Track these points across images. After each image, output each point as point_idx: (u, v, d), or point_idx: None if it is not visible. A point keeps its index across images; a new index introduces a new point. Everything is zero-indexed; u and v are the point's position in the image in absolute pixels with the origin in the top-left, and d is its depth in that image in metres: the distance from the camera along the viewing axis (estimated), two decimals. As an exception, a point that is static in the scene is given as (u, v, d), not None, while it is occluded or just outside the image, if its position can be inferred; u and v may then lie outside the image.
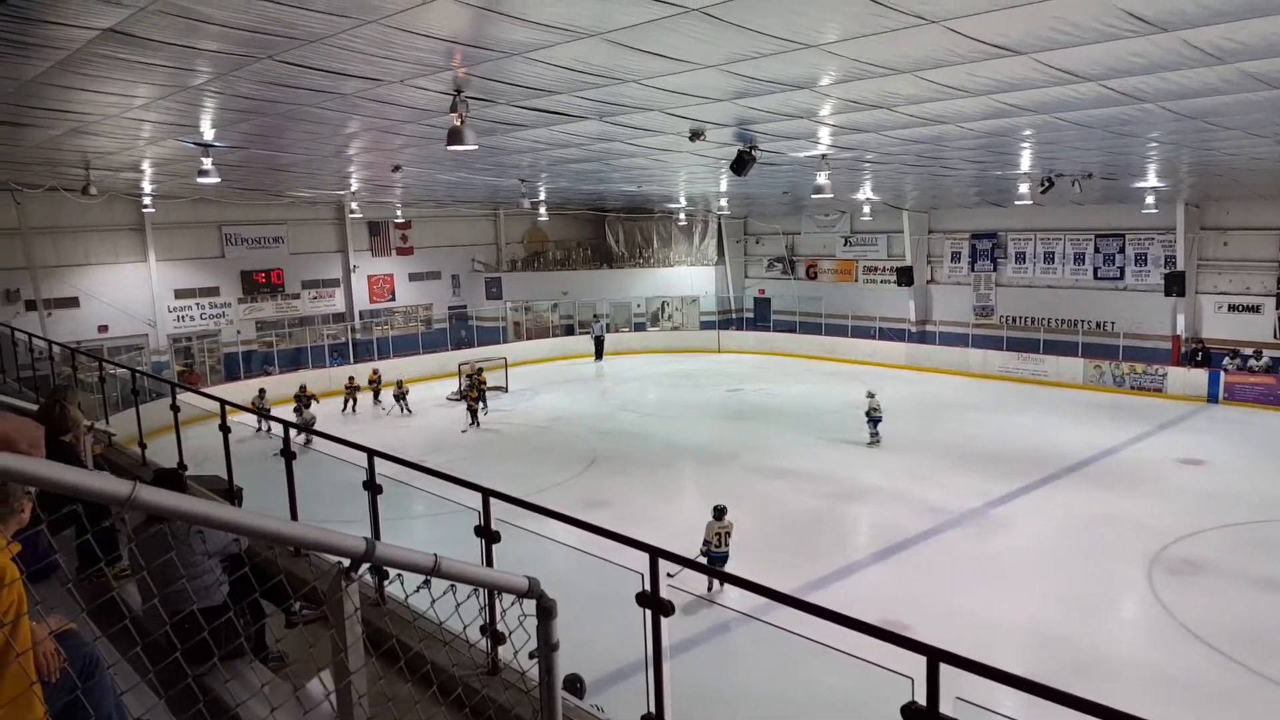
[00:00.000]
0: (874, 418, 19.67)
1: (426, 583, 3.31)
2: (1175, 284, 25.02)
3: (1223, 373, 23.68)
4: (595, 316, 35.13)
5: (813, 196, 15.72)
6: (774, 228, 36.06)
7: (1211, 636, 10.37)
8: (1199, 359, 24.71)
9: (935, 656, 2.72)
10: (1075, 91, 8.96)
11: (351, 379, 25.49)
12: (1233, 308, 24.85)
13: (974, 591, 11.89)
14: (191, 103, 9.50)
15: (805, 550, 13.28)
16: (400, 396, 24.48)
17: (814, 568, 12.59)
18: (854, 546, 13.53)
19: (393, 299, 32.44)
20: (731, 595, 10.63)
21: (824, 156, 14.40)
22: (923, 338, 31.19)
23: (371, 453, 5.17)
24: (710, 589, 10.07)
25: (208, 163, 12.47)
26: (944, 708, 2.71)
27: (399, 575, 3.50)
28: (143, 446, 8.94)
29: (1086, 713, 2.44)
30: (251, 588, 3.70)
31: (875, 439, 19.68)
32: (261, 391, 22.75)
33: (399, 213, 30.24)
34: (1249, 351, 23.86)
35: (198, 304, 27.45)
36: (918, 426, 21.50)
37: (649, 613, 3.57)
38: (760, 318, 36.62)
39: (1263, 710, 8.94)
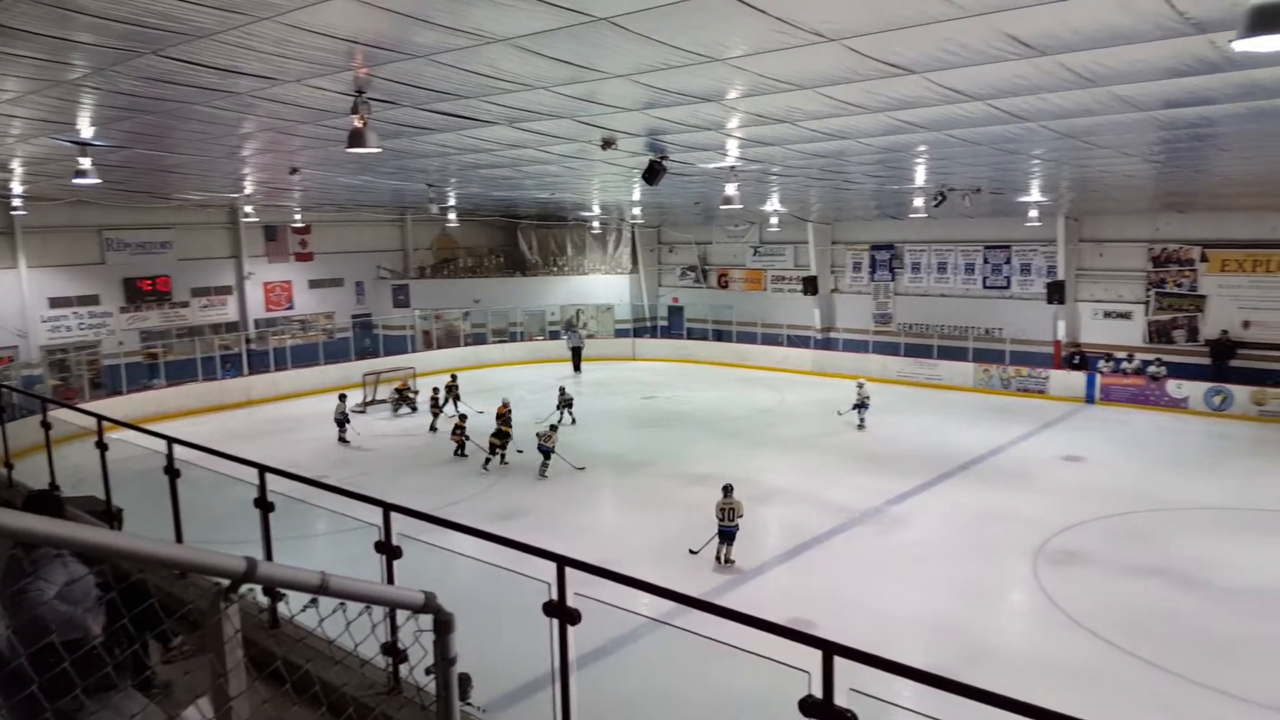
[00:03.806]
0: (864, 405, 21.78)
1: (313, 601, 3.21)
2: (1056, 293, 26.53)
3: (1098, 375, 25.13)
4: (571, 325, 34.59)
5: (722, 207, 16.02)
6: (687, 237, 36.50)
7: (1091, 623, 10.98)
8: (1077, 362, 26.20)
9: (829, 650, 2.81)
10: (965, 110, 9.40)
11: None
12: (1107, 314, 26.46)
13: (875, 586, 12.28)
14: (67, 98, 8.98)
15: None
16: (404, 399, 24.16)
17: (726, 570, 12.79)
18: (764, 547, 13.78)
19: (291, 307, 31.31)
20: (643, 601, 10.67)
21: (733, 168, 14.69)
22: (827, 344, 32.08)
23: (263, 469, 5.01)
24: (720, 560, 12.73)
25: (86, 163, 11.79)
26: (839, 699, 2.80)
27: (311, 598, 3.39)
28: (9, 467, 8.40)
29: (971, 698, 2.56)
30: (133, 615, 3.49)
31: (862, 425, 21.72)
32: (342, 397, 22.44)
33: (298, 217, 29.09)
34: (1122, 355, 25.41)
35: (75, 313, 25.85)
36: (823, 430, 22.08)
37: (556, 622, 3.56)
38: (674, 326, 36.97)
39: (1137, 689, 9.50)
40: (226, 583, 2.78)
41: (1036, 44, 6.58)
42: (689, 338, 35.52)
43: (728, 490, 13.09)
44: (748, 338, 33.43)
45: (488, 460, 18.68)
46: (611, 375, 30.76)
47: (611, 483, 18.42)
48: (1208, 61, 7.03)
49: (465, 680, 6.08)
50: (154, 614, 3.97)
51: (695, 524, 14.96)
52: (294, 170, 16.43)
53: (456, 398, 23.59)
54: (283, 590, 4.13)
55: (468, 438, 19.68)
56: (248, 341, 28.97)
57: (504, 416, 19.66)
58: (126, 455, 7.08)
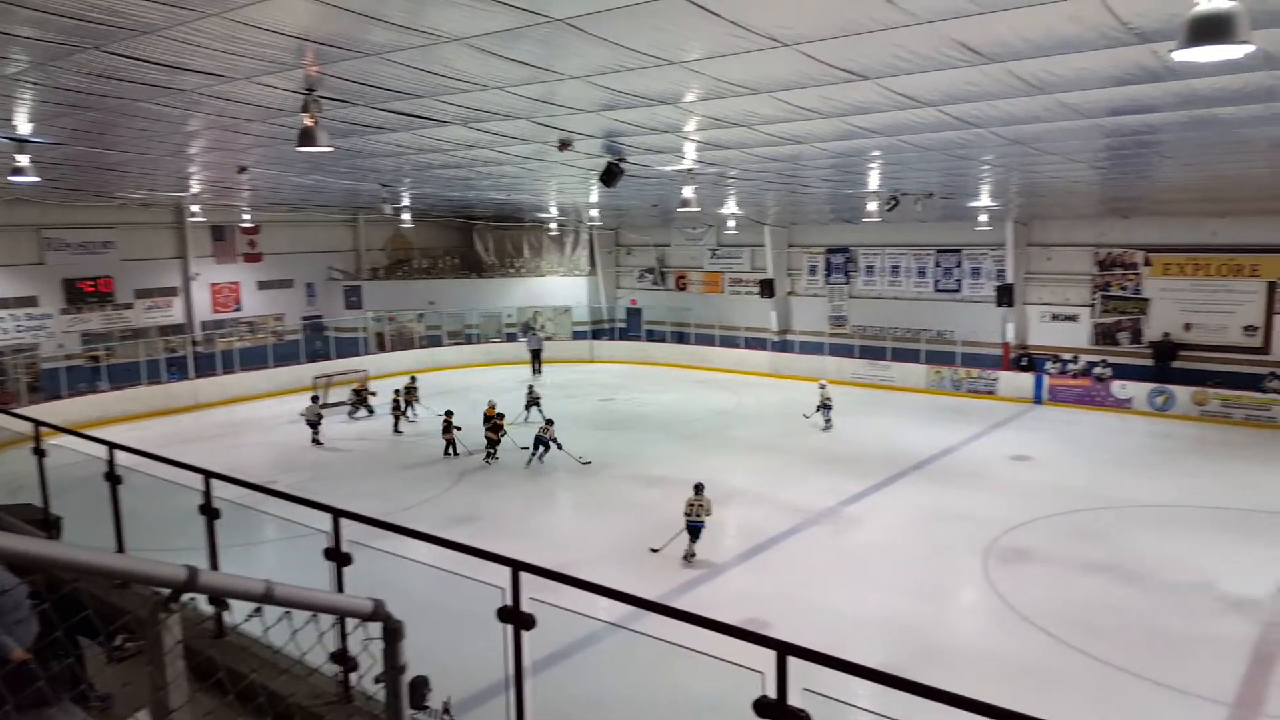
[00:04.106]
0: (826, 405, 21.92)
1: (257, 610, 3.14)
2: (1005, 296, 27.08)
3: (1046, 376, 25.70)
4: (529, 327, 34.29)
5: (680, 209, 16.04)
6: (645, 239, 36.52)
7: (1040, 619, 11.20)
8: (1025, 364, 26.77)
9: (783, 651, 2.83)
10: (917, 116, 9.55)
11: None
12: (1054, 317, 27.08)
13: (831, 586, 12.40)
14: (4, 94, 8.69)
15: (676, 555, 13.47)
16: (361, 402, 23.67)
17: (683, 572, 12.82)
18: (721, 549, 13.82)
19: (239, 309, 30.67)
20: (600, 604, 10.63)
21: (690, 171, 14.73)
22: (784, 346, 32.33)
23: (208, 474, 4.89)
24: (688, 557, 13.06)
25: (24, 160, 11.40)
26: (794, 699, 2.81)
27: (255, 607, 3.31)
28: (-63, 475, 8.11)
29: (921, 696, 2.59)
30: (69, 626, 3.37)
31: (828, 425, 21.86)
32: (314, 398, 22.22)
33: (247, 216, 28.47)
34: (1068, 356, 26.02)
35: (12, 315, 25.03)
36: (780, 431, 22.25)
37: (510, 628, 3.53)
38: (632, 328, 36.94)
39: (1085, 685, 9.70)
40: (166, 592, 2.70)
41: (986, 51, 6.71)
42: (647, 339, 35.54)
43: (699, 489, 13.41)
44: (706, 339, 33.56)
45: (488, 455, 19.25)
46: (569, 377, 30.64)
47: (569, 485, 18.35)
48: (1150, 71, 7.23)
49: (423, 683, 6.02)
50: (90, 624, 3.85)
51: (653, 526, 14.97)
52: (243, 169, 16.10)
53: (415, 400, 23.37)
54: (229, 600, 4.02)
55: (458, 427, 19.99)
56: (194, 344, 28.30)
57: (490, 418, 19.67)
58: (66, 461, 6.86)
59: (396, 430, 22.35)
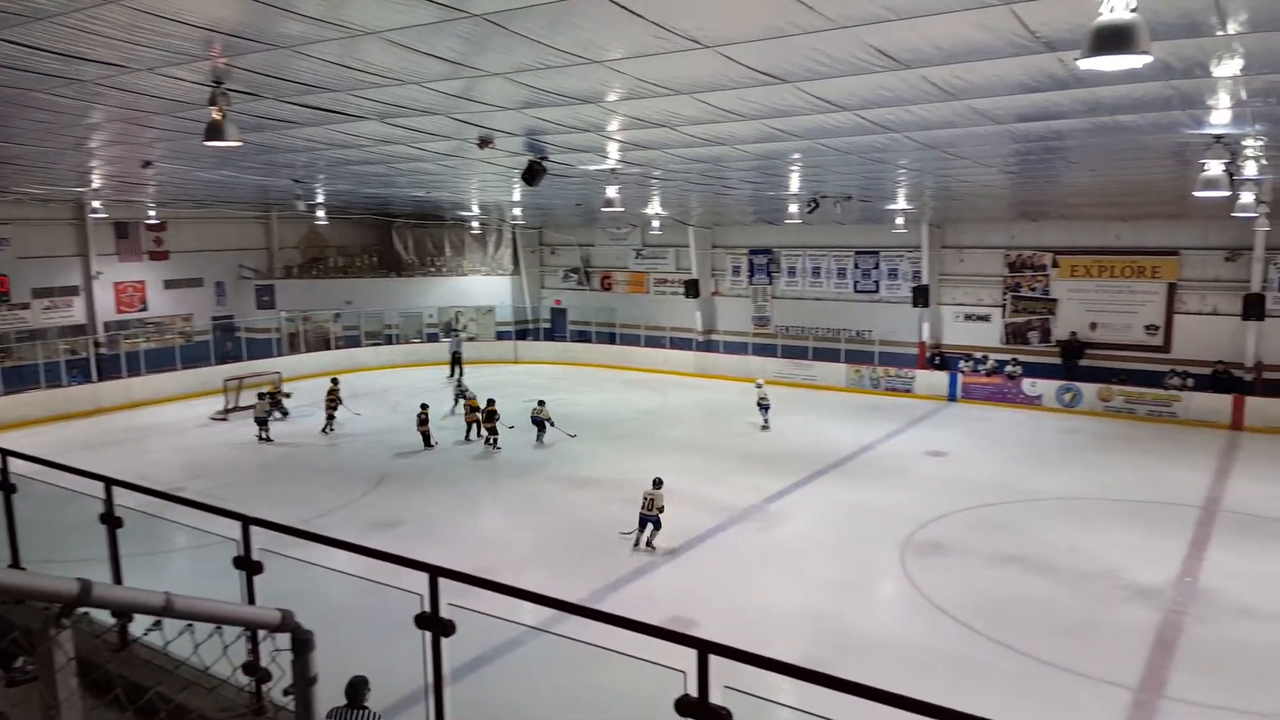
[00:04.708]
0: (764, 405, 22.06)
1: (157, 624, 3.01)
2: (921, 296, 27.89)
3: (960, 375, 26.56)
4: (451, 328, 33.66)
5: (604, 209, 16.02)
6: (569, 239, 36.38)
7: (955, 610, 11.55)
8: (938, 363, 27.62)
9: (704, 649, 2.83)
10: (835, 120, 9.73)
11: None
12: (968, 317, 28.00)
13: (755, 583, 12.55)
14: (-116, 80, 8.15)
15: (602, 556, 13.47)
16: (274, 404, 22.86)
17: (610, 573, 12.79)
18: (647, 548, 13.85)
19: (145, 309, 29.41)
20: (526, 607, 10.53)
21: (613, 170, 14.72)
22: (709, 346, 32.62)
23: (109, 482, 4.66)
24: (638, 545, 13.61)
25: (-93, 150, 10.75)
26: (715, 697, 2.82)
27: (155, 619, 3.15)
28: None
29: (837, 689, 2.63)
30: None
31: (765, 425, 21.99)
32: (260, 395, 22.14)
33: (152, 213, 27.28)
34: (980, 355, 26.97)
35: (-102, 314, 23.59)
36: (705, 430, 22.46)
37: (429, 635, 3.45)
38: (557, 328, 36.75)
39: (998, 672, 10.04)
40: (58, 608, 2.56)
41: (900, 57, 6.87)
42: (572, 340, 35.43)
43: (657, 483, 13.81)
44: (631, 340, 33.63)
45: (488, 440, 20.29)
46: (493, 379, 30.31)
47: (494, 488, 18.15)
48: (1057, 78, 7.51)
49: (362, 683, 5.87)
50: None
51: (580, 528, 14.96)
52: (147, 164, 15.43)
53: (338, 401, 22.86)
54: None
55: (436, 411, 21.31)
56: (96, 345, 26.99)
57: (476, 408, 20.87)
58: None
59: (328, 429, 22.06)
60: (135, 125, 11.05)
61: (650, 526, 13.64)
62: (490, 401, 20.56)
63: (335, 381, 23.76)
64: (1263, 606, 11.63)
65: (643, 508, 13.69)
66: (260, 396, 22.10)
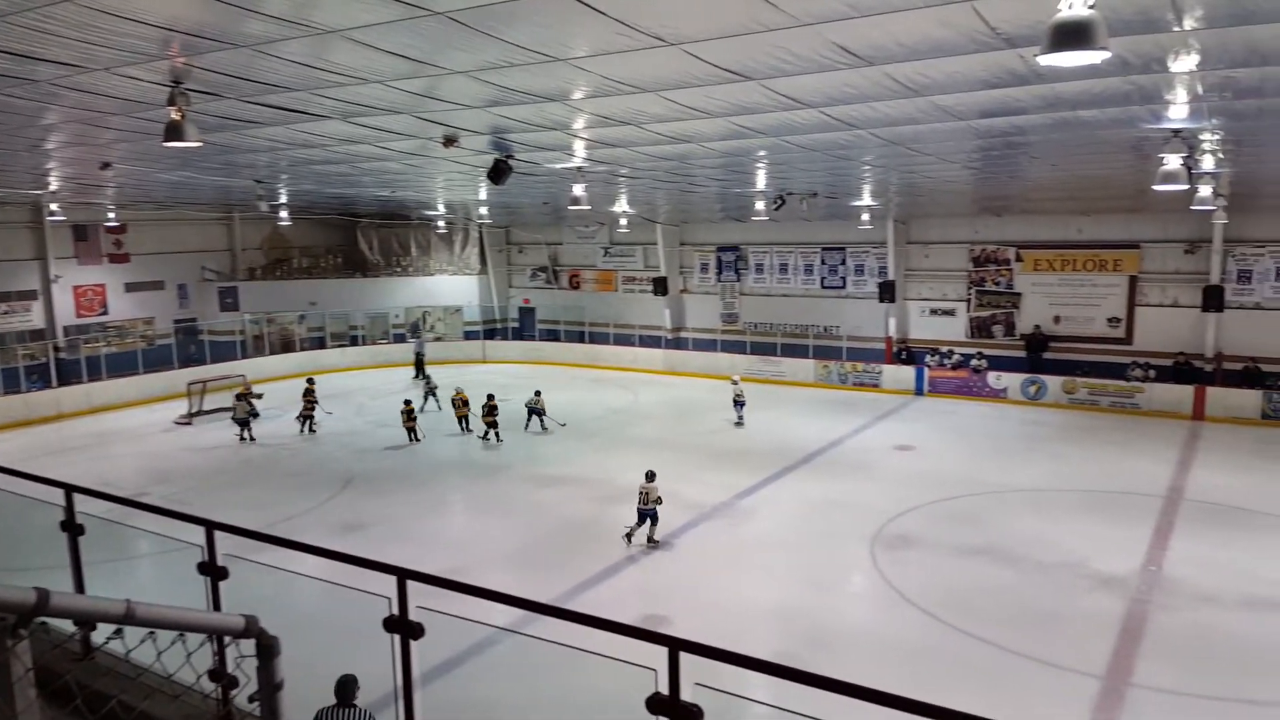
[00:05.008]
0: (739, 401, 22.29)
1: (118, 632, 2.96)
2: (887, 292, 28.16)
3: (926, 369, 26.87)
4: (416, 330, 33.41)
5: (571, 208, 15.99)
6: (536, 238, 36.24)
7: (924, 602, 11.69)
8: (904, 358, 27.92)
9: (674, 647, 2.84)
10: (800, 117, 9.79)
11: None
12: (933, 311, 28.34)
13: (726, 579, 12.60)
14: None
15: (573, 555, 13.45)
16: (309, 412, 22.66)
17: (580, 571, 12.77)
18: (619, 547, 13.84)
19: (105, 312, 28.89)
20: (496, 609, 10.49)
21: (580, 169, 14.68)
22: (678, 344, 32.70)
23: (69, 488, 4.57)
24: (635, 539, 13.80)
25: None
26: (687, 694, 2.83)
27: (118, 629, 3.10)
28: None
29: (807, 684, 2.65)
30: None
31: (740, 422, 22.14)
32: (239, 396, 22.05)
33: (112, 215, 26.85)
34: (946, 350, 27.29)
35: None
36: (674, 428, 22.49)
37: (398, 638, 3.43)
38: (525, 327, 36.62)
39: (966, 662, 10.17)
40: (14, 618, 2.51)
41: (863, 54, 6.93)
42: (541, 339, 35.33)
43: (650, 476, 13.89)
44: (600, 338, 33.61)
45: (487, 433, 20.97)
46: (462, 378, 30.11)
47: (462, 489, 18.06)
48: (1018, 74, 7.62)
49: (352, 681, 5.83)
50: None
51: (549, 527, 14.92)
52: (106, 165, 15.14)
53: (315, 401, 22.71)
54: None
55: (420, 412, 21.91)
56: (56, 350, 26.56)
57: (464, 401, 21.81)
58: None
59: (310, 430, 22.13)
60: (93, 126, 10.84)
61: (649, 521, 13.73)
62: (490, 397, 21.13)
63: (311, 382, 23.63)
64: (1225, 594, 11.87)
65: (640, 503, 13.76)
66: (239, 398, 21.92)
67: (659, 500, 13.70)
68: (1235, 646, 10.48)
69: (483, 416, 21.02)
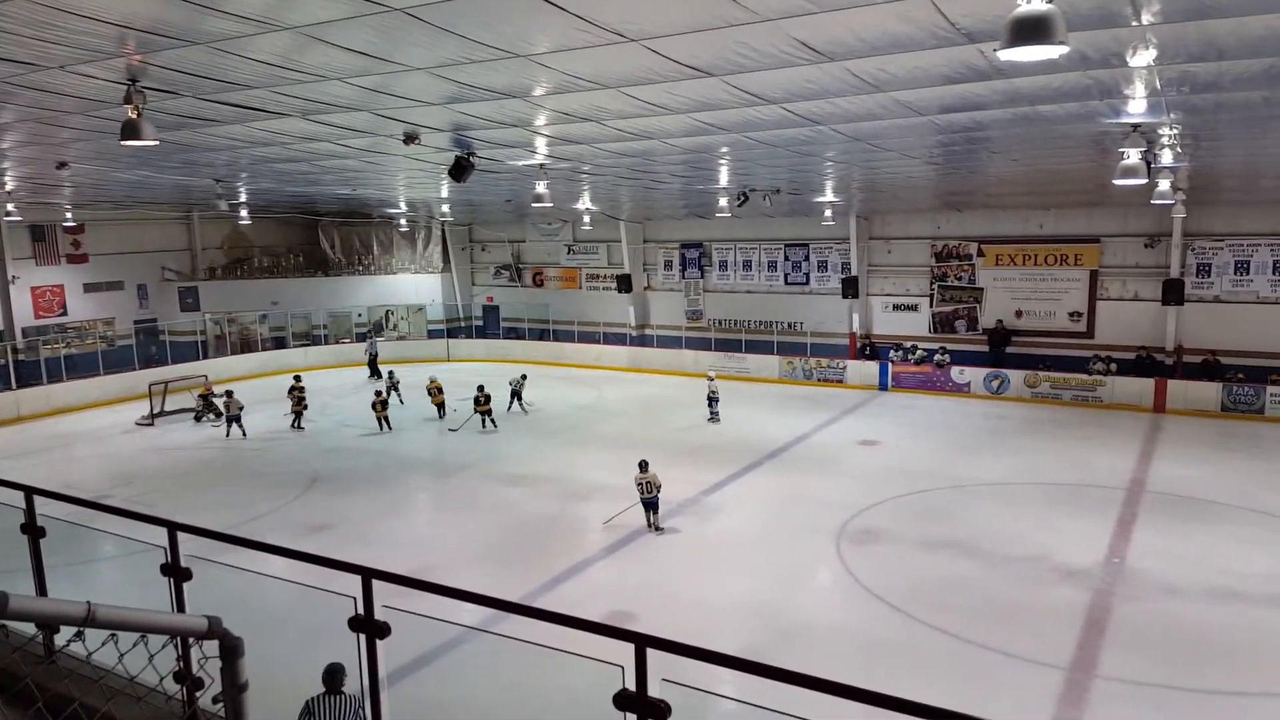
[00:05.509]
0: (714, 398, 22.60)
1: (79, 634, 2.93)
2: (850, 288, 28.44)
3: (890, 364, 27.16)
4: (369, 332, 33.23)
5: (534, 205, 15.93)
6: (500, 235, 36.08)
7: (889, 595, 11.82)
8: (869, 353, 28.21)
9: (641, 643, 2.85)
10: (761, 113, 9.84)
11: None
12: (896, 307, 28.66)
13: (694, 575, 12.66)
14: None
15: (540, 553, 13.43)
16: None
17: (548, 570, 12.75)
18: (586, 544, 13.87)
19: (64, 313, 28.35)
20: (464, 607, 10.45)
21: (542, 166, 14.64)
22: (643, 341, 32.75)
23: (29, 491, 4.50)
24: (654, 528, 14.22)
25: None
26: (654, 690, 2.85)
27: (79, 631, 3.06)
28: None
29: (775, 679, 2.68)
30: None
31: (714, 418, 22.38)
32: (229, 393, 22.20)
33: (69, 215, 26.39)
34: (909, 345, 27.61)
35: None
36: (640, 424, 22.53)
37: (363, 638, 3.42)
38: (489, 325, 36.46)
39: (932, 655, 10.28)
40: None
41: (824, 49, 6.98)
42: (505, 337, 35.19)
43: (643, 466, 14.25)
44: (565, 336, 33.57)
45: (484, 419, 21.81)
46: (425, 378, 29.90)
47: (427, 487, 17.95)
48: (978, 69, 7.71)
49: (339, 669, 5.78)
50: None
51: (515, 525, 14.89)
52: (62, 165, 14.83)
53: (303, 398, 22.79)
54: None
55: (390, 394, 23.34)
56: (15, 352, 26.09)
57: (440, 389, 23.14)
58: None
59: (299, 426, 22.31)
60: (49, 125, 10.62)
61: (652, 510, 14.13)
62: (480, 388, 21.98)
63: (298, 379, 23.55)
64: (1188, 585, 12.04)
65: (642, 493, 14.09)
66: (229, 394, 22.05)
67: (659, 486, 14.05)
68: (1198, 637, 10.61)
69: (475, 408, 21.77)
